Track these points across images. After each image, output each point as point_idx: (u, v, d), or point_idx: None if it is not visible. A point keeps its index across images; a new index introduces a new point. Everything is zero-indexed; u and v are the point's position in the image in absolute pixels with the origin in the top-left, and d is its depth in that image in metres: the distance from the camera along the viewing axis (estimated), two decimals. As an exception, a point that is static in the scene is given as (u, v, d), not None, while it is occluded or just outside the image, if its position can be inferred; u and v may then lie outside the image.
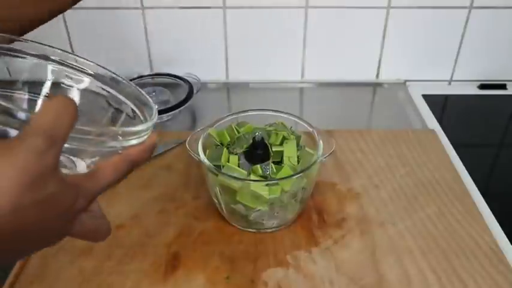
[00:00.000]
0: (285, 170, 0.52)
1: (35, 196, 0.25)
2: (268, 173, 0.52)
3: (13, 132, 0.27)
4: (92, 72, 0.40)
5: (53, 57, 0.41)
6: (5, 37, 0.38)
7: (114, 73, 0.40)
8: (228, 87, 0.91)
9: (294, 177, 0.51)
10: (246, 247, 0.54)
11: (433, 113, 0.81)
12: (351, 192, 0.62)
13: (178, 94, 0.81)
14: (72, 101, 0.27)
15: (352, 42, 0.87)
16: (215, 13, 0.84)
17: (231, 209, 0.54)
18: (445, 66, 0.91)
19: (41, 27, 0.84)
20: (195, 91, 0.82)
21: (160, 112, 0.77)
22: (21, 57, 0.40)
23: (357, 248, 0.54)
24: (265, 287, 0.49)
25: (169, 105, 0.78)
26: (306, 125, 0.58)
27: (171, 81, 0.85)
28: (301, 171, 0.51)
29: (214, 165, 0.52)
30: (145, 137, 0.33)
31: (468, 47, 0.87)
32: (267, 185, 0.50)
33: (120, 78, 0.40)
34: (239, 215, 0.54)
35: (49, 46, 0.41)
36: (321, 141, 0.55)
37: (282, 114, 0.60)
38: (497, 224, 0.58)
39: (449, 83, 0.92)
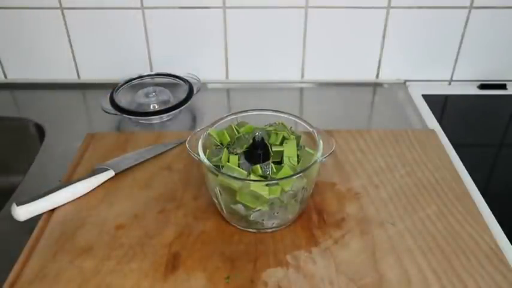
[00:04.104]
0: (285, 170, 0.52)
1: None
2: (268, 173, 0.52)
3: None
4: None
5: None
6: None
7: None
8: (228, 87, 0.91)
9: (294, 177, 0.51)
10: (246, 247, 0.54)
11: (433, 113, 0.81)
12: (350, 192, 0.62)
13: (178, 94, 0.81)
14: None
15: (352, 42, 0.87)
16: (215, 13, 0.84)
17: (231, 209, 0.54)
18: (445, 66, 0.91)
19: (41, 27, 0.85)
20: (195, 91, 0.82)
21: (160, 112, 0.77)
22: None
23: (356, 248, 0.54)
24: (265, 287, 0.49)
25: (169, 105, 0.78)
26: (306, 125, 0.58)
27: (171, 81, 0.85)
28: (301, 171, 0.51)
29: (214, 165, 0.52)
30: None
31: (468, 47, 0.88)
32: (267, 185, 0.50)
33: None
34: (239, 215, 0.54)
35: None
36: (321, 141, 0.55)
37: (282, 114, 0.60)
38: (497, 224, 0.58)
39: (449, 83, 0.92)
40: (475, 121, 0.83)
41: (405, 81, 0.92)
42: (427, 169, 0.66)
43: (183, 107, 0.79)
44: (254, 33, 0.87)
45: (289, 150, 0.54)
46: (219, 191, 0.53)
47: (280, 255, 0.53)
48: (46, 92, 0.89)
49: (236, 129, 0.57)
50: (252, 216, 0.53)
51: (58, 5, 0.83)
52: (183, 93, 0.81)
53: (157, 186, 0.63)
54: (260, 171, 0.52)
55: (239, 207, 0.53)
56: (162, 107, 0.78)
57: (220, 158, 0.53)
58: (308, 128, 0.58)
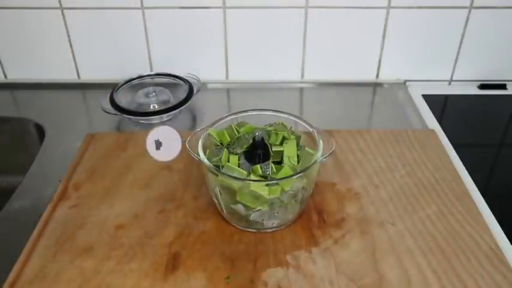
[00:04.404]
0: (285, 170, 0.52)
1: None
2: (268, 173, 0.52)
3: None
4: None
5: None
6: None
7: None
8: (228, 87, 0.91)
9: (294, 177, 0.51)
10: (246, 247, 0.54)
11: (433, 113, 0.81)
12: (350, 192, 0.62)
13: (178, 94, 0.81)
14: None
15: (352, 42, 0.87)
16: (215, 13, 0.84)
17: (231, 209, 0.54)
18: (445, 66, 0.91)
19: (41, 27, 0.86)
20: (195, 91, 0.82)
21: (160, 112, 0.77)
22: None
23: (356, 248, 0.54)
24: (265, 287, 0.49)
25: (169, 105, 0.78)
26: (306, 125, 0.58)
27: (171, 81, 0.85)
28: (301, 171, 0.51)
29: (214, 165, 0.52)
30: None
31: (468, 47, 0.88)
32: (267, 185, 0.50)
33: None
34: (239, 215, 0.54)
35: None
36: (321, 141, 0.55)
37: (282, 114, 0.60)
38: (497, 224, 0.58)
39: (449, 83, 0.92)
40: (475, 121, 0.83)
41: (405, 81, 0.92)
42: (427, 169, 0.66)
43: (183, 107, 0.79)
44: (254, 33, 0.87)
45: (289, 150, 0.54)
46: (219, 191, 0.53)
47: (280, 255, 0.53)
48: (46, 92, 0.89)
49: (236, 129, 0.57)
50: (252, 216, 0.53)
51: (58, 5, 0.83)
52: (183, 93, 0.81)
53: (157, 186, 0.63)
54: (260, 171, 0.52)
55: (239, 207, 0.53)
56: (162, 107, 0.78)
57: (220, 158, 0.53)
58: (308, 128, 0.58)
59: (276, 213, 0.53)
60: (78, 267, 0.51)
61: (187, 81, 0.83)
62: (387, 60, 0.90)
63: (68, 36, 0.87)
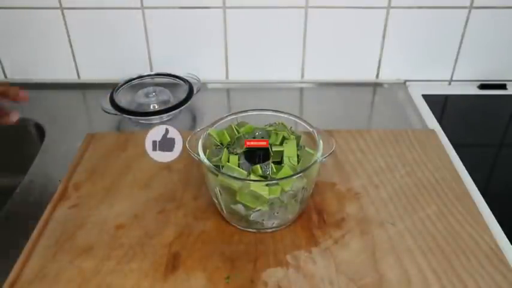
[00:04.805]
0: (285, 170, 0.52)
1: None
2: (268, 173, 0.52)
3: None
4: None
5: None
6: None
7: None
8: (228, 87, 0.91)
9: (294, 177, 0.51)
10: (246, 247, 0.54)
11: (433, 113, 0.81)
12: (350, 192, 0.62)
13: (178, 94, 0.81)
14: None
15: (352, 42, 0.87)
16: (215, 13, 0.84)
17: (231, 209, 0.54)
18: (445, 66, 0.91)
19: (41, 27, 0.86)
20: (195, 91, 0.82)
21: (160, 112, 0.77)
22: None
23: (356, 248, 0.54)
24: (265, 287, 0.49)
25: (169, 105, 0.78)
26: (306, 125, 0.58)
27: (171, 81, 0.85)
28: (301, 171, 0.51)
29: (214, 165, 0.52)
30: None
31: (468, 47, 0.87)
32: (267, 185, 0.50)
33: None
34: (239, 215, 0.54)
35: None
36: (321, 141, 0.55)
37: (282, 114, 0.60)
38: (497, 224, 0.58)
39: (449, 83, 0.92)
40: (475, 121, 0.83)
41: (405, 81, 0.92)
42: (427, 169, 0.66)
43: (183, 107, 0.79)
44: (254, 33, 0.86)
45: (289, 150, 0.54)
46: (219, 191, 0.53)
47: (280, 255, 0.53)
48: (46, 92, 0.89)
49: (236, 129, 0.57)
50: (252, 216, 0.53)
51: (58, 5, 0.83)
52: (183, 93, 0.81)
53: (157, 186, 0.63)
54: (260, 171, 0.52)
55: (239, 207, 0.53)
56: (162, 107, 0.78)
57: (220, 158, 0.53)
58: (308, 128, 0.58)
59: (276, 213, 0.53)
60: (78, 267, 0.51)
61: (187, 81, 0.83)
62: (387, 60, 0.90)
63: (68, 36, 0.87)
